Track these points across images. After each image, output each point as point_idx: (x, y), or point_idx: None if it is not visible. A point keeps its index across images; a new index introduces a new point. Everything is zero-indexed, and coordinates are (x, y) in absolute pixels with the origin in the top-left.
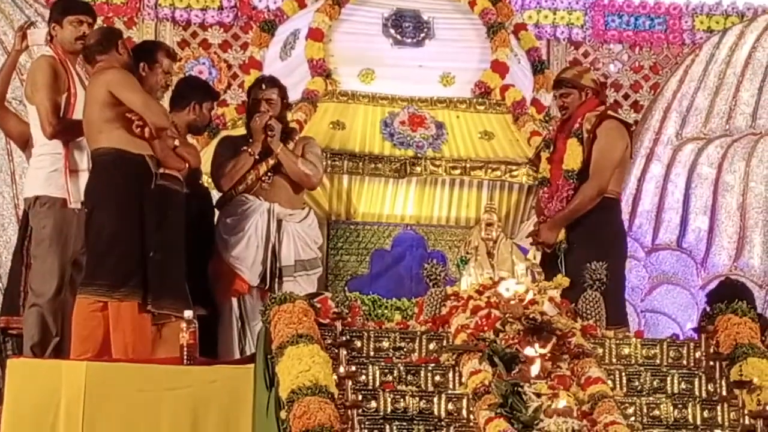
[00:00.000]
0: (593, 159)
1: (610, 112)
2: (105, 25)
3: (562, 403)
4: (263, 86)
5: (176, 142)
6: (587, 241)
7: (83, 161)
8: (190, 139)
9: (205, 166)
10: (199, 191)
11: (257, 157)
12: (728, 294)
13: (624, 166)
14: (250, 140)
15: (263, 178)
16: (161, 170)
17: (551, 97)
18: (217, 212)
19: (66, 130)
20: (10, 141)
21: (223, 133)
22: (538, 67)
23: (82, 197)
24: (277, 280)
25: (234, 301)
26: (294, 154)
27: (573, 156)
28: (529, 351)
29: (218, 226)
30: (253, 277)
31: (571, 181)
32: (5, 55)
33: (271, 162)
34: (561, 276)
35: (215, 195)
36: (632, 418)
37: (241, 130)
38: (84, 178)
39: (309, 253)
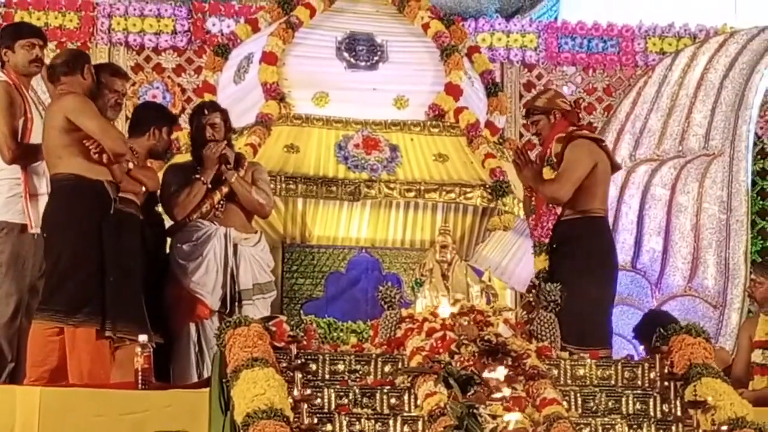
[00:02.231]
0: (559, 170)
1: (576, 132)
2: (75, 48)
3: (513, 416)
4: (205, 111)
5: (130, 165)
6: (569, 259)
7: (42, 185)
8: (149, 163)
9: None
10: (154, 217)
11: (210, 185)
12: (652, 324)
13: (604, 182)
14: (199, 168)
15: (217, 206)
16: (119, 194)
17: (504, 119)
18: (168, 239)
19: (24, 155)
20: None
21: (173, 160)
22: (492, 90)
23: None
24: (237, 304)
25: (192, 325)
26: (248, 183)
27: None
28: (491, 375)
29: (173, 252)
30: (215, 301)
31: (552, 208)
32: None
33: (225, 190)
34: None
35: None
36: None
37: (187, 156)
38: (43, 202)
39: (264, 276)
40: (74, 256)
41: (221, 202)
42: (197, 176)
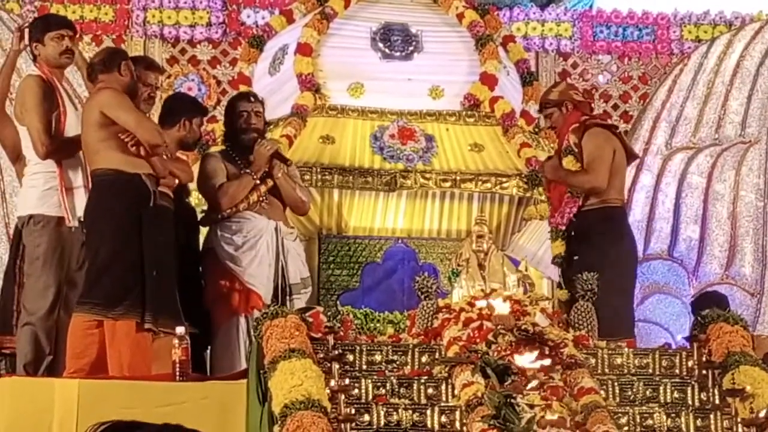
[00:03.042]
0: (585, 162)
1: (590, 121)
2: (112, 46)
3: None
4: (251, 99)
5: (163, 157)
6: (589, 250)
7: (77, 179)
8: (180, 154)
9: (193, 183)
10: (185, 209)
11: (258, 180)
12: (708, 301)
13: (620, 171)
14: (235, 155)
15: (262, 199)
16: (161, 187)
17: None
18: (202, 229)
19: (59, 150)
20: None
21: (206, 153)
22: (527, 79)
23: (78, 215)
24: (288, 297)
25: (242, 318)
26: (293, 181)
27: None
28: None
29: (220, 243)
30: (268, 294)
31: (575, 197)
32: None
33: (270, 184)
34: (559, 290)
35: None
36: (625, 428)
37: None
38: (79, 195)
39: (305, 271)
40: (113, 250)
41: (265, 195)
42: (248, 171)
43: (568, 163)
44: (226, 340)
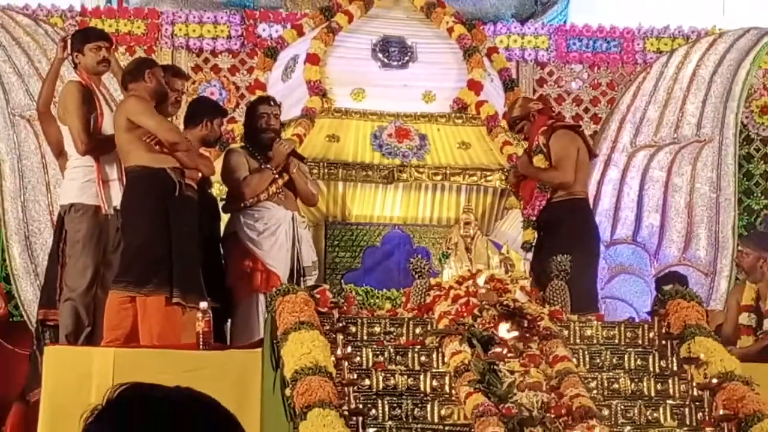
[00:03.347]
0: (554, 160)
1: (556, 124)
2: (140, 57)
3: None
4: (271, 103)
5: (190, 151)
6: (557, 237)
7: (113, 172)
8: (203, 151)
9: (218, 175)
10: (208, 200)
11: (276, 174)
12: (670, 279)
13: (584, 167)
14: (257, 153)
15: (279, 191)
16: (187, 180)
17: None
18: (223, 216)
19: (96, 147)
20: (45, 155)
21: (228, 148)
22: (509, 86)
23: (113, 204)
24: (302, 278)
25: (261, 295)
26: (305, 175)
27: None
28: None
29: (243, 228)
30: (285, 275)
31: (544, 191)
32: (40, 81)
33: (286, 178)
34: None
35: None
36: (594, 391)
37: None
38: (114, 187)
39: (314, 255)
40: (144, 236)
41: (282, 187)
42: (268, 166)
43: (538, 161)
44: (247, 314)
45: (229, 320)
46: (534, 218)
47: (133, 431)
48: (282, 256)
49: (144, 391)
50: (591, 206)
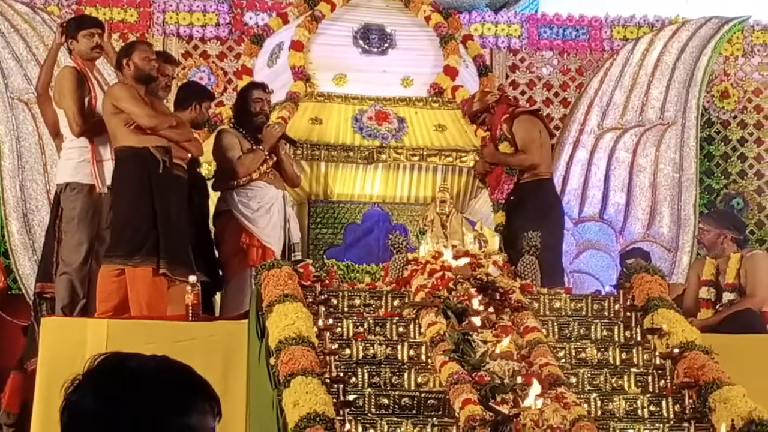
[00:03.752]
0: (520, 145)
1: (516, 111)
2: (125, 44)
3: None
4: (265, 89)
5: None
6: (525, 215)
7: (107, 152)
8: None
9: (209, 155)
10: (198, 178)
11: (267, 155)
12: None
13: (547, 148)
14: (247, 134)
15: (269, 170)
16: (176, 159)
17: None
18: (213, 193)
19: (90, 129)
20: (42, 137)
21: (220, 128)
22: (483, 71)
23: (107, 182)
24: (292, 253)
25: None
26: (291, 158)
27: None
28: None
29: (237, 206)
30: (279, 251)
31: (511, 175)
32: (37, 66)
33: (275, 159)
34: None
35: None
36: (563, 360)
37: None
38: (107, 166)
39: (299, 232)
40: (130, 212)
41: (271, 167)
42: (260, 147)
43: (504, 148)
44: (240, 287)
45: (219, 293)
46: (503, 201)
47: (110, 399)
48: (276, 233)
49: (120, 361)
50: (556, 185)
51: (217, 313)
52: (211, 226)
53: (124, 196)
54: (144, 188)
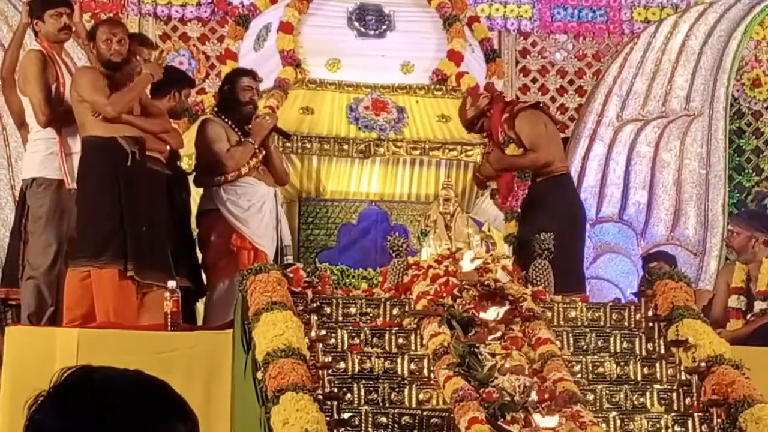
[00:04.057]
0: (528, 143)
1: (515, 109)
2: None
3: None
4: (256, 78)
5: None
6: (542, 214)
7: (76, 145)
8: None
9: (192, 146)
10: (180, 173)
11: (257, 148)
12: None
13: (556, 141)
14: (232, 125)
15: (258, 165)
16: (152, 153)
17: (502, 83)
18: (194, 189)
19: (58, 118)
20: (6, 127)
21: (204, 117)
22: (491, 56)
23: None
24: (284, 257)
25: None
26: (280, 153)
27: None
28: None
29: (225, 204)
30: (272, 254)
31: (524, 179)
32: (1, 49)
33: (264, 153)
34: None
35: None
36: (579, 375)
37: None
38: (77, 160)
39: (289, 234)
40: (93, 207)
41: (260, 163)
42: (249, 140)
43: (512, 150)
44: (229, 294)
45: (205, 300)
46: (518, 209)
47: (76, 418)
48: (269, 235)
49: (88, 375)
50: (574, 180)
51: (200, 322)
52: (193, 225)
53: (88, 190)
54: (110, 182)
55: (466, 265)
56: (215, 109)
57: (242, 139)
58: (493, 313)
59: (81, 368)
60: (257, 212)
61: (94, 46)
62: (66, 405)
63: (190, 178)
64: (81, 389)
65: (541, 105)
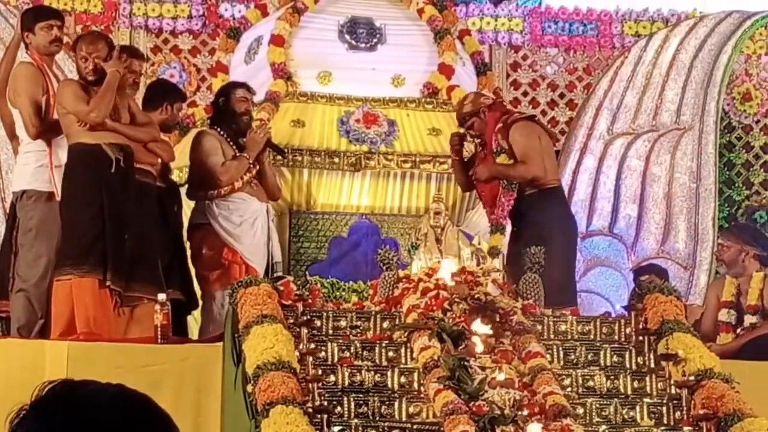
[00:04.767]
0: (519, 155)
1: (509, 119)
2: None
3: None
4: (250, 90)
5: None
6: (533, 228)
7: (66, 157)
8: (162, 136)
9: (184, 159)
10: (171, 185)
11: (252, 163)
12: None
13: (550, 154)
14: (227, 137)
15: (251, 180)
16: (143, 165)
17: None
18: (188, 202)
19: (47, 130)
20: None
21: (196, 131)
22: (481, 70)
23: None
24: (273, 272)
25: None
26: (273, 168)
27: None
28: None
29: (217, 219)
30: (262, 270)
31: (510, 190)
32: None
33: (258, 167)
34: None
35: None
36: (569, 389)
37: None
38: None
39: (279, 250)
40: (75, 214)
41: (254, 177)
42: (244, 154)
43: (503, 160)
44: (220, 308)
45: (198, 312)
46: (504, 221)
47: None
48: (260, 251)
49: (72, 390)
50: (565, 194)
51: (192, 335)
52: (185, 238)
53: (71, 197)
54: (92, 189)
55: (446, 275)
56: (209, 121)
57: (237, 153)
58: (482, 329)
59: (63, 382)
60: (249, 228)
61: (79, 60)
62: (48, 419)
63: (182, 190)
64: (63, 403)
65: (536, 118)
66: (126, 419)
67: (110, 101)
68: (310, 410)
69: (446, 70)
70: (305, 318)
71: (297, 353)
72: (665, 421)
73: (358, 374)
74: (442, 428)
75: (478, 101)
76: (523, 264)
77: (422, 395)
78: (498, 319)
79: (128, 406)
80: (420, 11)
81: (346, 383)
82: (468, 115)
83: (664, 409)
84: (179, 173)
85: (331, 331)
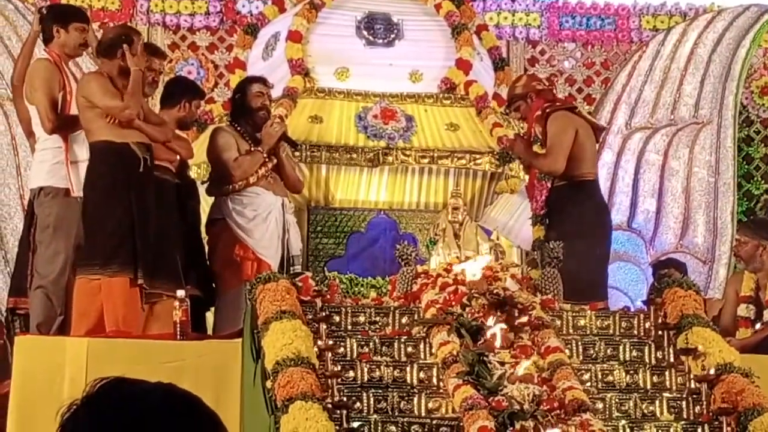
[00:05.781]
0: (546, 147)
1: (550, 108)
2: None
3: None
4: (267, 84)
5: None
6: (565, 222)
7: (82, 153)
8: (180, 133)
9: (202, 155)
10: (189, 182)
11: (266, 157)
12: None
13: (584, 147)
14: (244, 132)
15: (268, 173)
16: (162, 162)
17: None
18: (207, 198)
19: (63, 126)
20: (15, 137)
21: (214, 126)
22: (499, 65)
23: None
24: (291, 267)
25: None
26: (292, 160)
27: None
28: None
29: (232, 214)
30: (276, 264)
31: (542, 180)
32: (10, 59)
33: (275, 161)
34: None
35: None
36: (588, 384)
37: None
38: (83, 168)
39: (299, 243)
40: (103, 213)
41: (270, 170)
42: (258, 149)
43: (538, 149)
44: (235, 303)
45: (213, 309)
46: (541, 212)
47: (108, 430)
48: (273, 245)
49: (123, 388)
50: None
51: (210, 332)
52: (204, 234)
53: (98, 196)
54: (121, 188)
55: (472, 272)
56: (227, 116)
57: (252, 148)
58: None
59: (114, 379)
60: (262, 222)
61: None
62: (98, 416)
63: (200, 187)
64: (114, 401)
65: (577, 110)
66: (175, 418)
67: (140, 98)
68: (330, 406)
69: (464, 66)
70: (324, 314)
71: (316, 349)
72: (685, 416)
73: (377, 370)
74: (461, 423)
75: (529, 85)
76: (542, 257)
77: (441, 390)
78: (517, 314)
79: (178, 405)
80: (437, 6)
81: (365, 379)
82: (517, 97)
83: (684, 403)
84: (197, 170)
85: (350, 327)
